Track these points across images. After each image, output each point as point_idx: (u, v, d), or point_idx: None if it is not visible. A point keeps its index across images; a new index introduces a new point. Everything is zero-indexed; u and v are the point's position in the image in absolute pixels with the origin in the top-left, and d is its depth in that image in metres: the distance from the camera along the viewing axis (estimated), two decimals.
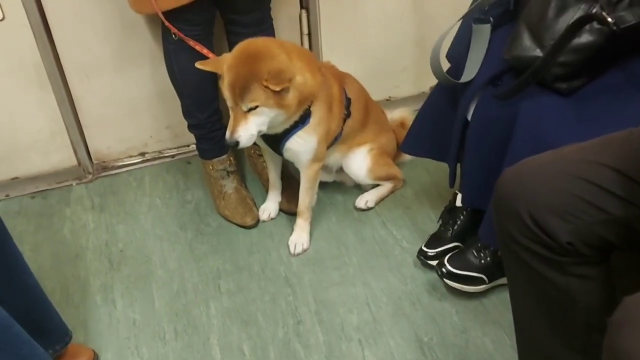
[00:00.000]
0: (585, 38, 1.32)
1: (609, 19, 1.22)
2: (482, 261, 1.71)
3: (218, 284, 1.87)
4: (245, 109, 1.64)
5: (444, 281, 1.74)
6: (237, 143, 1.68)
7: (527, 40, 1.39)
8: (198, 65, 1.71)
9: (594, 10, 1.29)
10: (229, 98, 1.66)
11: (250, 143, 1.71)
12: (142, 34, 2.18)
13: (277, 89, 1.61)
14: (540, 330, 1.25)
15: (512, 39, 1.42)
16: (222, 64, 1.67)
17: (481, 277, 1.72)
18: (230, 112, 1.69)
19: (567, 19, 1.33)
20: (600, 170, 1.10)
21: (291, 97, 1.68)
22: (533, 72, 1.36)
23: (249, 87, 1.62)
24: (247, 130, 1.67)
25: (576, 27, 1.29)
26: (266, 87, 1.61)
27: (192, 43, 1.82)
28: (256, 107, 1.65)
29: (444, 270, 1.73)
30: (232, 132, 1.67)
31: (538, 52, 1.37)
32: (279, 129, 1.79)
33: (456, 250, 1.79)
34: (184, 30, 1.82)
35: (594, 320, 1.18)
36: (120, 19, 2.13)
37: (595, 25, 1.29)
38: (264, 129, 1.71)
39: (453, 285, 1.73)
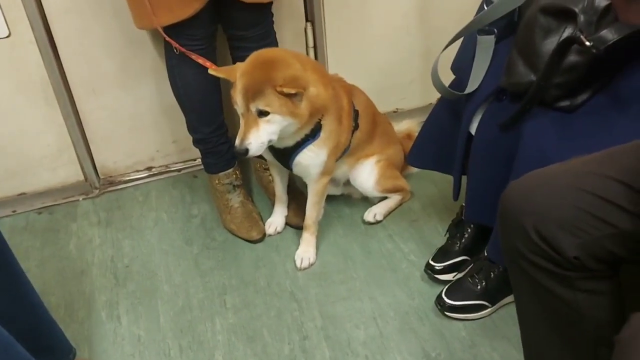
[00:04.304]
0: (574, 57, 1.30)
1: (587, 43, 1.21)
2: (479, 287, 1.69)
3: (224, 299, 1.86)
4: (254, 110, 1.62)
5: (445, 315, 1.72)
6: (247, 151, 1.65)
7: (521, 67, 1.38)
8: (211, 71, 1.72)
9: (575, 33, 1.28)
10: (240, 104, 1.64)
11: (260, 152, 1.69)
12: (147, 50, 2.19)
13: (292, 91, 1.60)
14: (549, 345, 1.23)
15: (507, 67, 1.42)
16: (235, 71, 1.67)
17: (482, 304, 1.70)
18: (241, 120, 1.67)
19: (553, 43, 1.32)
20: (607, 183, 1.08)
21: (304, 107, 1.67)
22: (529, 99, 1.36)
23: (263, 91, 1.60)
24: (258, 137, 1.65)
25: (560, 51, 1.29)
26: (280, 92, 1.60)
27: (194, 56, 1.82)
28: (268, 113, 1.63)
29: (443, 304, 1.71)
30: (243, 139, 1.64)
31: (533, 77, 1.36)
32: (289, 142, 1.78)
33: (452, 282, 1.76)
34: (186, 46, 1.82)
35: (603, 336, 1.16)
36: (125, 35, 2.13)
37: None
38: (275, 138, 1.69)
39: (456, 317, 1.71)
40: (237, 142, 1.66)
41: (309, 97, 1.68)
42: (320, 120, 1.78)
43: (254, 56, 1.69)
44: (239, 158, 2.03)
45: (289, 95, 1.62)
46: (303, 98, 1.66)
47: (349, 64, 2.40)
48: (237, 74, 1.66)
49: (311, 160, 1.83)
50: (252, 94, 1.61)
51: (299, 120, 1.68)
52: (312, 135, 1.79)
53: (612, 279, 1.15)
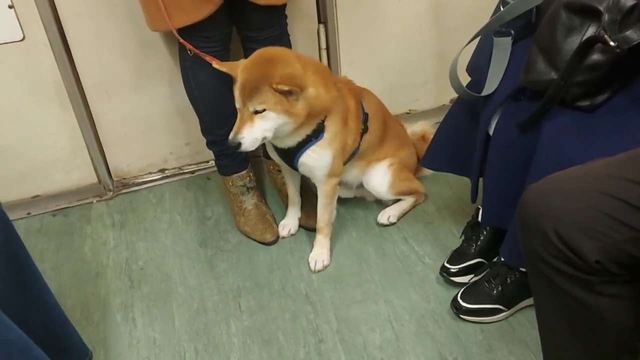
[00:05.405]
0: (597, 56, 1.28)
1: (611, 43, 1.19)
2: (495, 291, 1.68)
3: (238, 302, 1.86)
4: (251, 109, 1.63)
5: (461, 318, 1.71)
6: (239, 145, 1.65)
7: (541, 64, 1.36)
8: (215, 65, 1.72)
9: (599, 32, 1.26)
10: (237, 99, 1.65)
11: (253, 148, 1.68)
12: (160, 52, 2.19)
13: (286, 88, 1.60)
14: (569, 350, 1.21)
15: (527, 64, 1.39)
16: (238, 67, 1.67)
17: (498, 308, 1.69)
18: (238, 114, 1.68)
19: (576, 41, 1.30)
20: (628, 186, 1.07)
21: (300, 107, 1.66)
22: (549, 99, 1.34)
23: (259, 88, 1.61)
24: (251, 133, 1.65)
25: (583, 50, 1.27)
26: (276, 90, 1.60)
27: (208, 58, 1.81)
28: (263, 110, 1.63)
29: (459, 307, 1.70)
30: (236, 133, 1.65)
31: (554, 75, 1.33)
32: (291, 142, 1.78)
33: (467, 285, 1.75)
34: (201, 48, 1.82)
35: (625, 340, 1.15)
36: (138, 37, 2.14)
37: None
38: (269, 135, 1.68)
39: (472, 320, 1.70)
40: (230, 135, 1.66)
41: (307, 98, 1.67)
42: (324, 121, 1.78)
43: (257, 53, 1.70)
44: (232, 150, 2.02)
45: (284, 93, 1.62)
46: (300, 98, 1.65)
47: (362, 65, 2.39)
48: (239, 69, 1.66)
49: (315, 161, 1.82)
50: (249, 89, 1.61)
51: (294, 119, 1.67)
52: (315, 136, 1.78)
53: (634, 284, 1.13)
